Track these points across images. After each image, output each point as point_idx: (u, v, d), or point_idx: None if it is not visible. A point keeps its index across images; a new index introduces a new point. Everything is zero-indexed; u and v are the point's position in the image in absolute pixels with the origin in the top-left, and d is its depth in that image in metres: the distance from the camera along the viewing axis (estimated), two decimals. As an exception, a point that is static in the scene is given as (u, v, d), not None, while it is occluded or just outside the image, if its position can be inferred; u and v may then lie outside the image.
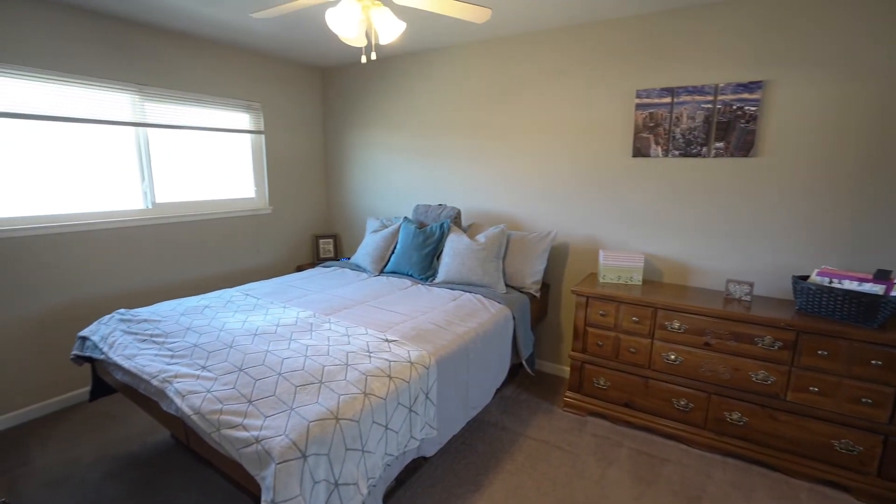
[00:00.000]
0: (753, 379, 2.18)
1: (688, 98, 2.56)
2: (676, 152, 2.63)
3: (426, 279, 3.01)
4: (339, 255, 4.36)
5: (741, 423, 2.24)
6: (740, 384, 2.22)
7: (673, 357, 2.37)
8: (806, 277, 2.26)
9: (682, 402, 2.38)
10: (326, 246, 4.21)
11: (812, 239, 2.35)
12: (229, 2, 2.46)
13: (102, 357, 1.99)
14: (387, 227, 3.43)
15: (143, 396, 1.80)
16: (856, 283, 2.02)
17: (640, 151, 2.74)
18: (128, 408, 2.74)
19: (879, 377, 1.93)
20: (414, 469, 2.16)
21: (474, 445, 2.38)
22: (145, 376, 1.70)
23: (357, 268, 3.31)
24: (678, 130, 2.61)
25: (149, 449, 2.34)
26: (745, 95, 2.40)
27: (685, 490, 2.06)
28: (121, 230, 2.90)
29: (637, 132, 2.73)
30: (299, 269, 4.04)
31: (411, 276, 3.07)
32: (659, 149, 2.68)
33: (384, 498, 1.93)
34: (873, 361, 1.93)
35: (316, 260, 4.22)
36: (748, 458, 2.25)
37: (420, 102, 3.59)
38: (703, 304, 2.31)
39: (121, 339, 2.01)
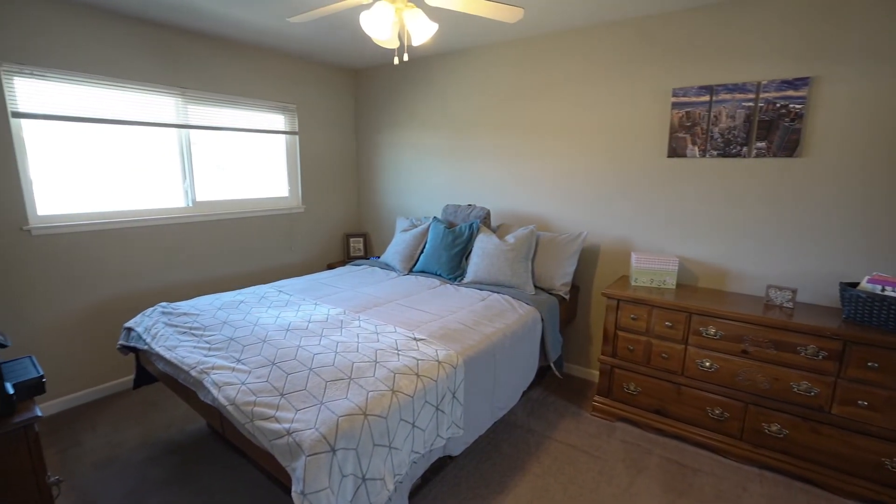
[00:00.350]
0: (795, 390, 2.08)
1: (727, 96, 2.46)
2: (714, 152, 2.54)
3: (455, 279, 3.02)
4: (369, 253, 4.43)
5: (781, 436, 2.15)
6: (780, 395, 2.12)
7: (708, 364, 2.30)
8: (855, 284, 2.14)
9: (717, 411, 2.30)
10: (357, 244, 4.28)
11: (862, 244, 2.22)
12: (268, 7, 2.54)
13: (146, 347, 2.09)
14: (416, 226, 3.46)
15: (182, 386, 1.88)
16: (911, 291, 1.90)
17: (675, 152, 2.66)
18: (168, 396, 2.87)
19: (936, 392, 1.81)
20: (439, 468, 2.17)
21: (500, 447, 2.37)
22: (185, 367, 1.78)
23: (386, 266, 3.36)
24: (717, 130, 2.52)
25: (186, 436, 2.44)
26: (790, 93, 2.29)
27: (719, 502, 1.99)
28: (163, 227, 3.04)
29: (673, 132, 2.65)
30: (330, 266, 4.13)
31: (440, 275, 3.09)
32: (696, 149, 2.59)
33: (410, 495, 1.95)
34: (929, 375, 1.81)
35: (346, 258, 4.30)
36: (788, 473, 2.15)
37: (450, 102, 3.60)
38: (742, 309, 2.22)
39: (162, 331, 2.11)
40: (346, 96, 4.21)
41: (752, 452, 2.22)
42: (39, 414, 1.43)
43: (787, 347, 2.08)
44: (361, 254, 4.32)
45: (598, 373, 2.91)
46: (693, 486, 2.09)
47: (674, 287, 2.60)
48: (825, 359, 2.00)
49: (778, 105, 2.33)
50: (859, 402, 1.95)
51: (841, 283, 2.13)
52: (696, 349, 2.33)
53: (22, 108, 2.41)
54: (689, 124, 2.60)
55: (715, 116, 2.51)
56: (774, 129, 2.36)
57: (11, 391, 1.41)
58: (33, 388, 1.51)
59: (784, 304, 2.28)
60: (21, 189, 2.43)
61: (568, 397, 2.92)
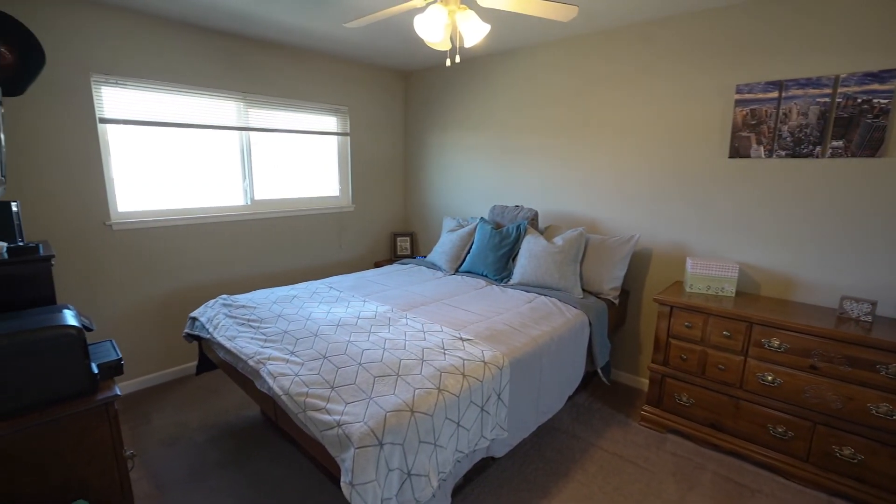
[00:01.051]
0: (873, 412, 1.91)
1: (799, 92, 2.30)
2: (783, 152, 2.37)
3: (501, 280, 3.01)
4: (415, 252, 4.50)
5: (855, 461, 1.98)
6: (855, 416, 1.96)
7: (770, 378, 2.15)
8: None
9: (780, 429, 2.16)
10: (403, 243, 4.36)
11: (956, 254, 2.01)
12: (326, 14, 2.64)
13: (208, 336, 2.23)
14: (463, 226, 3.48)
15: (240, 374, 1.99)
16: None
17: (738, 152, 2.51)
18: (226, 383, 3.05)
19: None
20: (482, 468, 2.18)
21: (544, 451, 2.34)
22: (243, 356, 1.89)
23: (433, 266, 3.39)
24: (786, 128, 2.35)
25: (242, 422, 2.59)
26: (875, 86, 2.10)
27: (780, 526, 1.86)
28: (224, 224, 3.23)
29: (736, 131, 2.51)
30: (377, 265, 4.23)
31: (486, 276, 3.09)
32: (762, 149, 2.44)
33: (452, 493, 1.97)
34: None
35: (393, 257, 4.39)
36: (861, 501, 1.98)
37: (498, 103, 3.58)
38: (811, 321, 2.07)
39: (223, 322, 2.25)
40: (397, 98, 4.29)
41: (821, 476, 2.06)
42: (119, 393, 1.57)
43: (864, 365, 1.92)
44: (408, 253, 4.39)
45: (647, 381, 2.80)
46: (751, 506, 1.97)
47: (733, 295, 2.46)
48: (908, 379, 1.83)
49: (859, 100, 2.15)
50: (949, 428, 1.77)
51: (929, 297, 1.93)
52: (756, 361, 2.19)
53: (107, 115, 2.64)
54: (754, 123, 2.45)
55: (784, 114, 2.35)
56: (854, 126, 2.17)
57: (96, 371, 1.56)
58: (113, 369, 1.66)
59: (861, 318, 2.10)
60: (105, 188, 2.67)
61: (615, 405, 2.83)
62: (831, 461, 2.04)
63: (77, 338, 1.49)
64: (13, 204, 1.93)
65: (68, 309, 1.64)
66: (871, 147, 2.14)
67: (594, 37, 2.99)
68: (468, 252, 3.30)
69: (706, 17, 2.54)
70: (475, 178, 3.86)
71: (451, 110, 3.95)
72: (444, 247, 3.39)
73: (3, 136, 1.68)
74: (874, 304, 2.07)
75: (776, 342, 2.12)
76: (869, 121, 2.13)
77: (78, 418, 1.48)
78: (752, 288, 2.56)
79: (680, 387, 2.46)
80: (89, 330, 1.56)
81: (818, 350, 2.02)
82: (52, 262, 1.80)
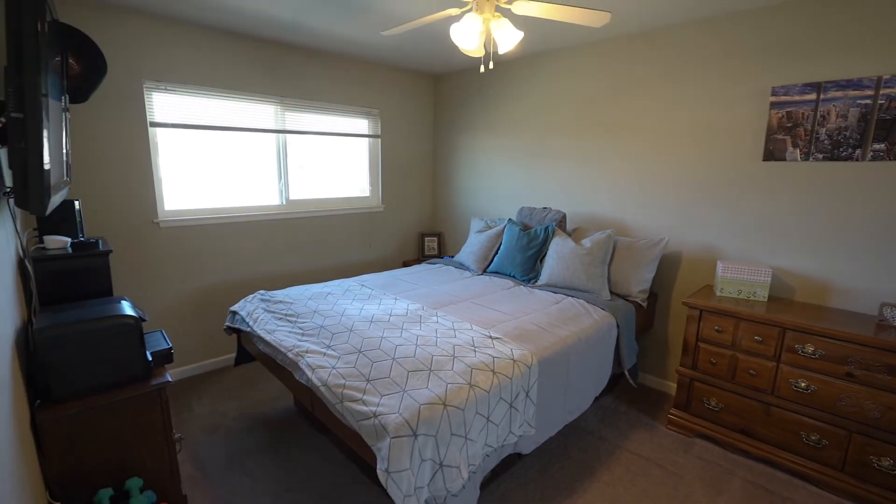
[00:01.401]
0: (911, 421, 1.87)
1: (838, 93, 2.25)
2: (820, 155, 2.33)
3: (528, 281, 3.04)
4: (443, 252, 4.56)
5: (894, 472, 1.93)
6: (895, 426, 1.91)
7: (804, 385, 2.12)
8: None
9: (814, 437, 2.12)
10: (431, 244, 4.43)
11: None
12: (365, 22, 2.73)
13: (248, 329, 2.35)
14: (491, 227, 3.52)
15: (279, 366, 2.10)
16: None
17: (772, 155, 2.48)
18: (262, 375, 3.18)
19: None
20: (509, 464, 2.22)
21: (570, 451, 2.36)
22: (282, 349, 1.99)
23: (461, 266, 3.45)
24: (823, 131, 2.31)
25: (277, 412, 2.71)
26: (918, 89, 2.05)
27: (813, 534, 1.84)
28: (262, 222, 3.37)
29: (771, 133, 2.47)
30: (406, 264, 4.31)
31: (514, 277, 3.13)
32: (797, 152, 2.40)
33: (480, 487, 2.02)
34: None
35: (421, 256, 4.46)
36: (899, 512, 1.93)
37: (526, 105, 3.61)
38: (848, 328, 2.03)
39: (262, 316, 2.36)
40: (426, 101, 4.37)
41: (857, 487, 2.02)
42: (170, 379, 1.68)
43: (902, 373, 1.88)
44: (435, 253, 4.46)
45: (675, 385, 2.78)
46: (782, 513, 1.95)
47: (765, 300, 2.42)
48: (952, 389, 1.78)
49: (902, 103, 2.10)
50: None
51: (976, 305, 1.87)
52: (789, 368, 2.16)
53: (157, 119, 2.81)
54: (789, 125, 2.41)
55: (822, 116, 2.31)
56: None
57: (150, 358, 1.68)
58: (165, 357, 1.78)
59: (901, 325, 2.04)
60: (153, 188, 2.83)
61: (642, 408, 2.83)
62: (868, 472, 1.99)
63: (135, 327, 1.61)
64: (76, 202, 2.09)
65: (125, 300, 1.77)
66: (915, 150, 2.08)
67: (623, 40, 2.99)
68: (496, 253, 3.34)
69: (738, 19, 2.51)
70: (502, 179, 3.90)
71: (480, 113, 4.00)
72: (472, 247, 3.45)
73: (69, 140, 1.83)
74: (916, 311, 2.01)
75: (810, 348, 2.09)
76: (913, 123, 2.08)
77: (134, 401, 1.60)
78: (786, 293, 2.52)
79: (709, 391, 2.44)
80: (143, 320, 1.68)
81: (855, 357, 1.98)
82: (110, 257, 1.94)
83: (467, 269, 3.39)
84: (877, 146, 2.18)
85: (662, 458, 2.33)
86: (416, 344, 1.91)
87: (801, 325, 2.10)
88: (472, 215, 4.20)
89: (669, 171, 2.89)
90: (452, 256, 4.01)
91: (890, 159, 2.15)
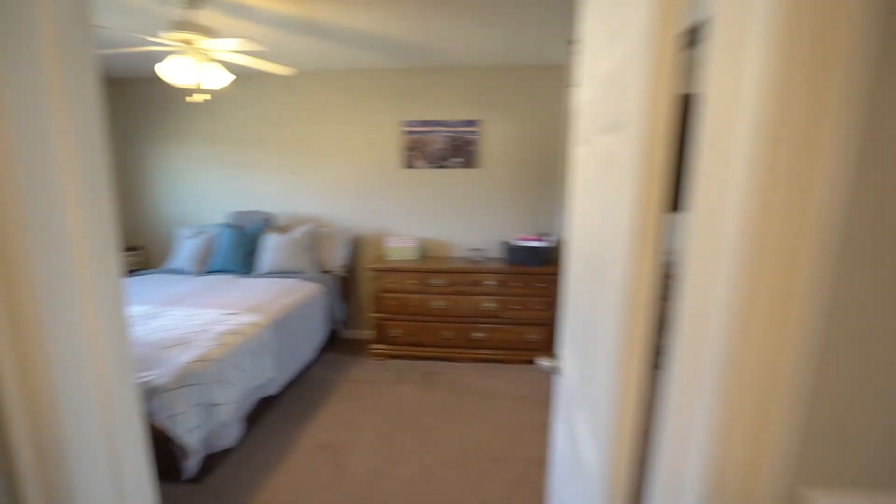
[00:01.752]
0: (481, 307, 3.47)
1: (438, 128, 3.74)
2: (432, 165, 3.80)
3: (250, 273, 3.50)
4: (151, 266, 4.31)
5: (482, 338, 3.51)
6: (477, 313, 3.48)
7: (441, 304, 3.51)
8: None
9: (450, 334, 3.55)
10: (132, 259, 4.15)
11: (513, 217, 3.81)
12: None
13: None
14: (202, 233, 3.73)
15: None
16: (533, 241, 3.48)
17: (409, 164, 3.83)
18: None
19: (542, 293, 3.41)
20: (266, 406, 2.73)
21: (308, 391, 3.06)
22: None
23: (178, 271, 3.54)
24: (431, 150, 3.78)
25: None
26: (469, 129, 3.70)
27: (452, 388, 3.18)
28: None
29: (406, 150, 3.81)
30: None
31: (235, 272, 3.51)
32: (421, 162, 3.81)
33: (248, 422, 2.47)
34: (538, 284, 3.39)
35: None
36: (492, 360, 3.54)
37: (235, 120, 3.97)
38: (454, 265, 3.50)
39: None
40: (106, 109, 4.00)
41: (470, 353, 3.54)
42: None
43: (477, 283, 3.45)
44: (143, 267, 4.19)
45: (374, 331, 3.87)
46: (434, 381, 3.25)
47: (415, 258, 3.76)
48: (496, 285, 3.43)
49: (465, 136, 3.72)
50: (511, 307, 3.44)
51: (503, 242, 3.62)
52: (431, 296, 3.52)
53: None
54: (415, 146, 3.79)
55: (432, 141, 3.77)
56: (463, 150, 3.74)
57: None
58: None
59: (478, 259, 3.68)
60: None
61: (354, 353, 3.79)
62: (472, 342, 3.53)
63: None
64: None
65: None
66: (472, 162, 3.75)
67: (312, 76, 3.77)
68: (214, 254, 3.62)
69: (381, 73, 3.72)
70: (208, 187, 4.11)
71: (171, 123, 4.05)
72: (188, 252, 3.59)
73: None
74: (482, 250, 3.67)
75: (440, 281, 3.48)
76: (469, 148, 3.73)
77: None
78: (426, 251, 3.95)
79: (392, 324, 3.61)
80: None
81: (458, 280, 3.46)
82: None
83: (186, 272, 3.53)
84: (455, 160, 3.76)
85: (369, 377, 3.33)
86: (160, 331, 2.20)
87: (433, 268, 3.47)
88: (178, 224, 4.21)
89: (351, 177, 3.92)
90: (162, 268, 3.94)
91: (465, 168, 3.77)
